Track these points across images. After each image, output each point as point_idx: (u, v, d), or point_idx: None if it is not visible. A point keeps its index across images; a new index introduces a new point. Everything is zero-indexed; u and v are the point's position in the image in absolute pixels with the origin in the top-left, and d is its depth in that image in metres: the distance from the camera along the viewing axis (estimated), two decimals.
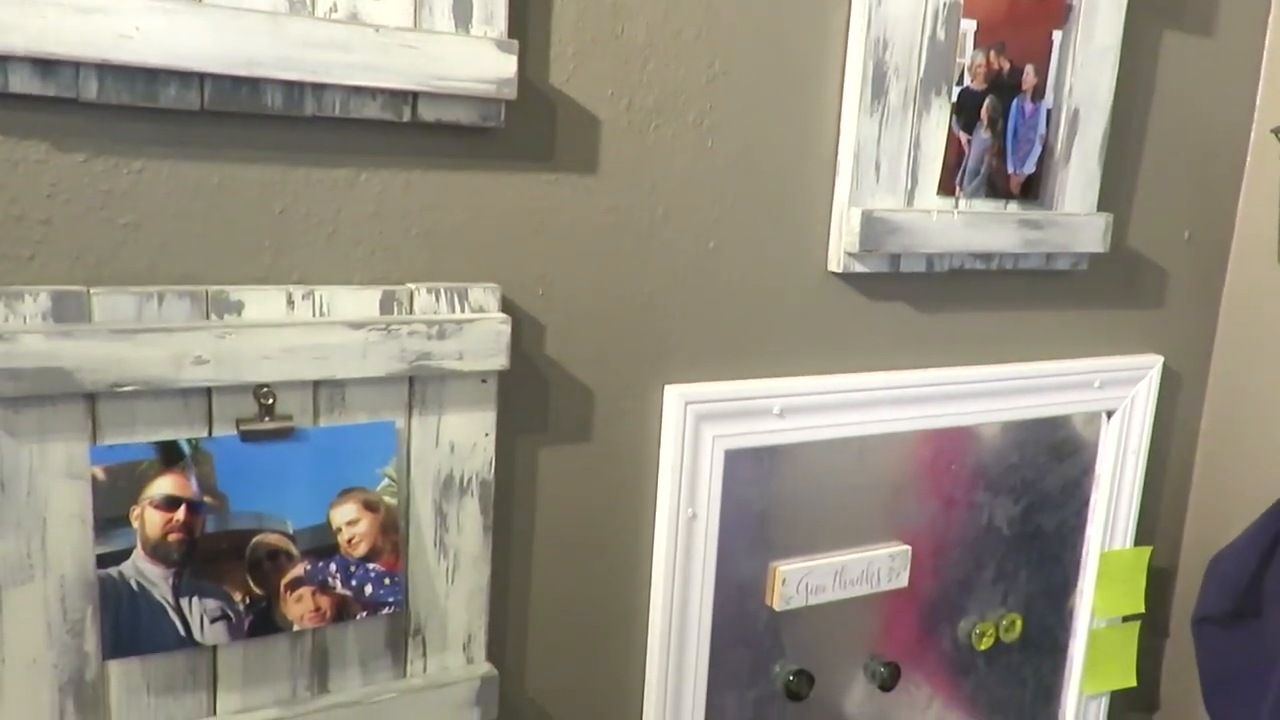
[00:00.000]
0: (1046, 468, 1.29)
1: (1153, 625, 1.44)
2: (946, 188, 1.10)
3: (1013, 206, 1.15)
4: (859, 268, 1.07)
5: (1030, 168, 1.14)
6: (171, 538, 0.78)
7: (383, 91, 0.80)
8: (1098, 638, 1.36)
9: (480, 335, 0.86)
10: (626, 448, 0.99)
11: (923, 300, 1.14)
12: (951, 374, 1.17)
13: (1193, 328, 1.37)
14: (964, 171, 1.10)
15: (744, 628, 1.10)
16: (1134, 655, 1.40)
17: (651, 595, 1.03)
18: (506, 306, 0.90)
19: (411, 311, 0.85)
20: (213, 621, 0.80)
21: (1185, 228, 1.33)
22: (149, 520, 0.77)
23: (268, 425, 0.80)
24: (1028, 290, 1.21)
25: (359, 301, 0.83)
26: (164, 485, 0.77)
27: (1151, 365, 1.32)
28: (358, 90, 0.79)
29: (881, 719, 1.24)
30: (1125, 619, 1.39)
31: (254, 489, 0.80)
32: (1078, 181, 1.18)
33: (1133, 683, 1.40)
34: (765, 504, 1.09)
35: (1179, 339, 1.36)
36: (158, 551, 0.77)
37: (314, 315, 0.81)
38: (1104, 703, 1.40)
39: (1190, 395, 1.40)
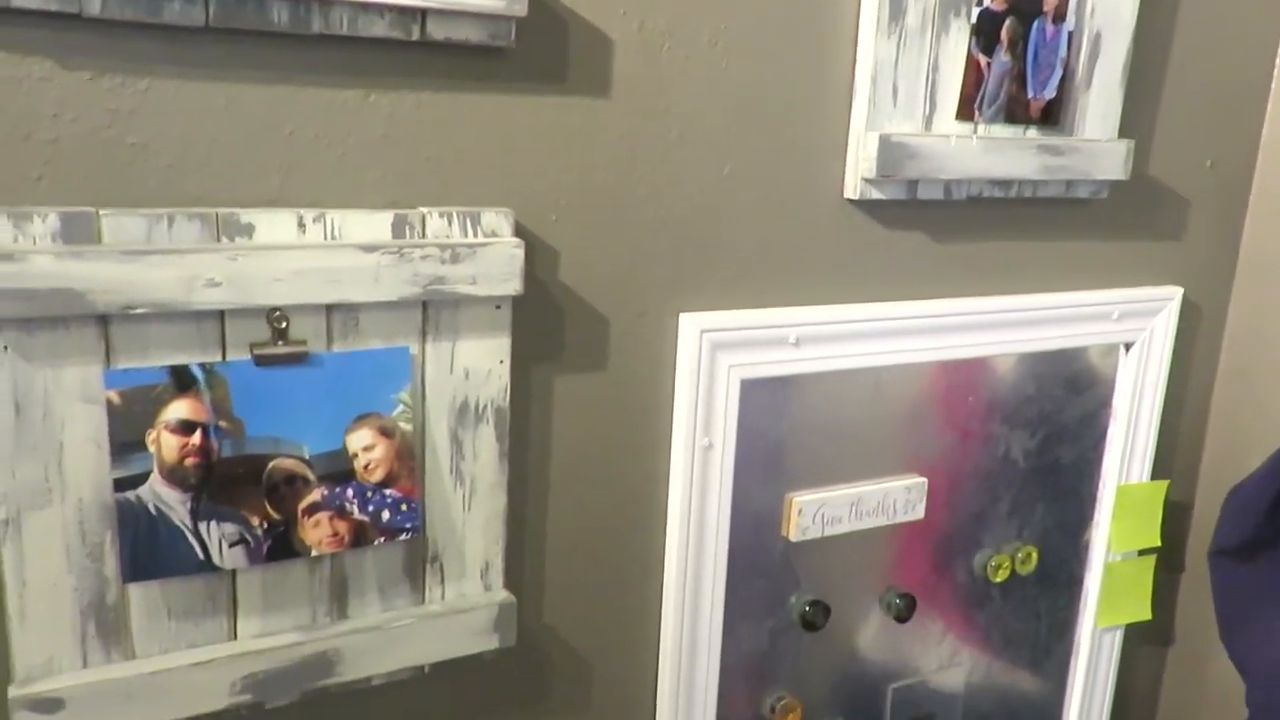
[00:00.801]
0: (1063, 400, 1.28)
1: (1168, 559, 1.44)
2: (965, 113, 1.08)
3: (1032, 132, 1.12)
4: (875, 195, 1.05)
5: (1050, 92, 1.12)
6: (188, 462, 0.77)
7: (390, 8, 0.78)
8: (1113, 571, 1.36)
9: (493, 259, 0.85)
10: (641, 376, 0.99)
11: (940, 229, 1.12)
12: (969, 304, 1.15)
13: (1213, 259, 1.36)
14: (983, 96, 1.08)
15: (760, 558, 1.10)
16: (1149, 589, 1.40)
17: (667, 525, 1.03)
18: (519, 231, 0.89)
19: (424, 235, 0.84)
20: (231, 546, 0.80)
21: (1207, 156, 1.30)
22: (165, 444, 0.77)
23: (281, 350, 0.79)
24: (1046, 219, 1.19)
25: (370, 225, 0.82)
26: (179, 409, 0.77)
27: (1171, 297, 1.30)
28: (365, 6, 0.78)
29: (897, 650, 1.24)
30: (1141, 553, 1.38)
31: (269, 414, 0.80)
32: (1098, 107, 1.16)
33: (1148, 616, 1.40)
34: (781, 434, 1.09)
35: (1199, 270, 1.34)
36: (174, 476, 0.77)
37: (325, 238, 0.80)
38: (1118, 636, 1.41)
39: (1210, 328, 1.39)
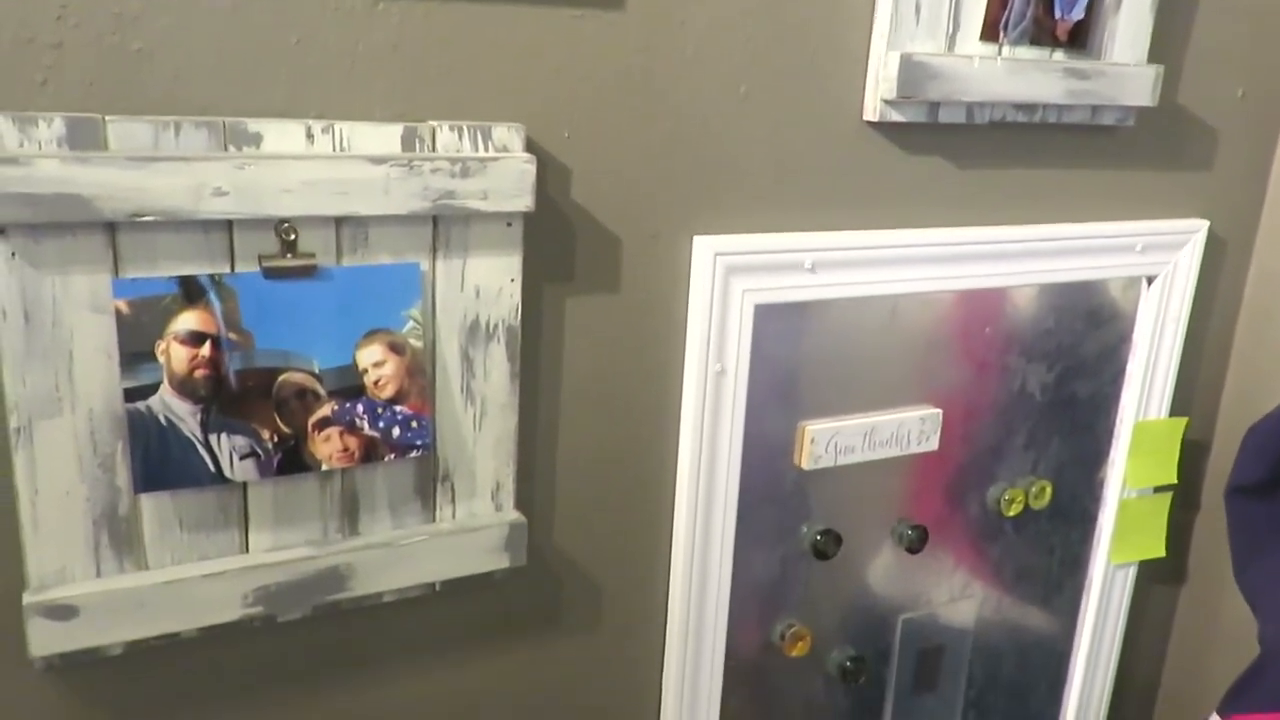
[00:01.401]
0: (1083, 334, 1.26)
1: (1184, 498, 1.43)
2: (990, 33, 1.05)
3: (1058, 55, 1.09)
4: (896, 116, 1.03)
5: (1078, 13, 1.09)
6: (198, 373, 0.77)
7: None
8: (1128, 508, 1.35)
9: (504, 174, 0.83)
10: (654, 299, 0.98)
11: (961, 154, 1.10)
12: (989, 233, 1.13)
13: (1241, 191, 1.33)
14: (1009, 16, 1.05)
15: (772, 487, 1.10)
16: (1164, 526, 1.39)
17: (679, 451, 1.03)
18: (531, 148, 0.87)
19: (433, 149, 0.82)
20: (242, 458, 0.80)
21: (1239, 85, 1.27)
22: (174, 355, 0.76)
23: (290, 262, 0.79)
24: (1071, 146, 1.17)
25: (380, 137, 0.80)
26: (188, 320, 0.76)
27: (1196, 230, 1.28)
28: None
29: (907, 582, 1.24)
30: (1157, 490, 1.37)
31: (279, 327, 0.79)
32: (1128, 30, 1.13)
33: (1162, 554, 1.39)
34: (795, 362, 1.08)
35: (1226, 203, 1.31)
36: (184, 387, 0.77)
37: (334, 150, 0.79)
38: (1131, 573, 1.40)
39: (1235, 262, 1.36)
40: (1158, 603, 1.49)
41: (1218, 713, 1.29)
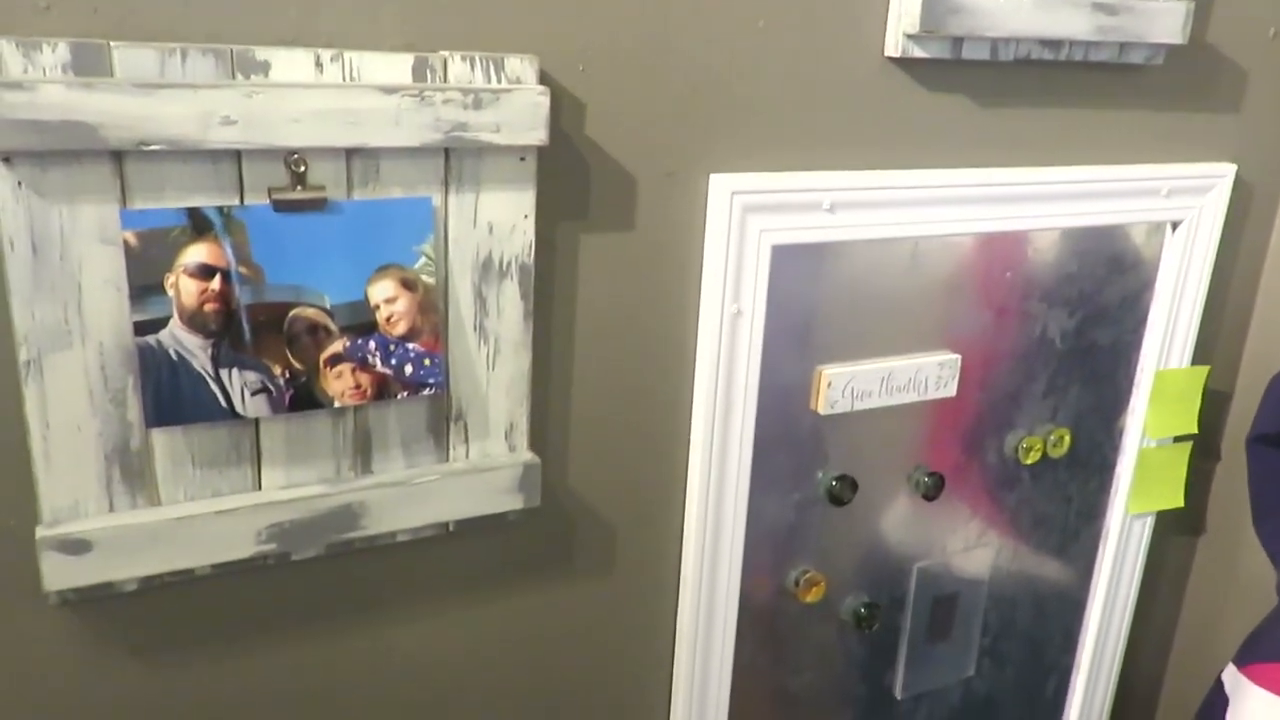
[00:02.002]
0: (1105, 280, 1.24)
1: (1204, 448, 1.41)
2: None
3: None
4: (918, 52, 1.00)
5: None
6: (208, 308, 0.76)
7: None
8: (1147, 457, 1.34)
9: (517, 107, 0.81)
10: (670, 238, 0.96)
11: (985, 92, 1.07)
12: (1011, 174, 1.11)
13: (1271, 134, 1.29)
14: None
15: (788, 431, 1.09)
16: (1183, 476, 1.37)
17: (694, 393, 1.02)
18: (545, 80, 0.85)
19: (445, 80, 0.81)
20: (253, 394, 0.79)
21: (1271, 24, 1.23)
22: (184, 289, 0.75)
23: (300, 195, 0.77)
24: (1097, 85, 1.14)
25: (390, 67, 0.79)
26: (197, 253, 0.75)
27: (1223, 174, 1.25)
28: None
29: (923, 529, 1.23)
30: (1176, 439, 1.36)
31: (289, 261, 0.78)
32: None
33: (1180, 504, 1.38)
34: (812, 304, 1.06)
35: (1255, 147, 1.28)
36: (194, 321, 0.76)
37: (343, 79, 0.77)
38: (1148, 524, 1.39)
39: (1261, 208, 1.33)
40: (1175, 553, 1.48)
41: (1234, 663, 1.29)
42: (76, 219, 0.72)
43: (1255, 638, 1.29)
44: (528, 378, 0.91)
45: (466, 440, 0.90)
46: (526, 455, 0.93)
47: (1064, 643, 1.42)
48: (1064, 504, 1.33)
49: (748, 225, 0.98)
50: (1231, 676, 1.28)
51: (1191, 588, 1.50)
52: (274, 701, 0.91)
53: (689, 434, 1.03)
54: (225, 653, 0.88)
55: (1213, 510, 1.47)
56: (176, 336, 0.76)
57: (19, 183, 0.70)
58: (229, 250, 0.76)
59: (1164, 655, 1.54)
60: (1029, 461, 1.26)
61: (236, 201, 0.76)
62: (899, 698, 1.30)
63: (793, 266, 1.03)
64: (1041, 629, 1.39)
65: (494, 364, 0.89)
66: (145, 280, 0.74)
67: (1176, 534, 1.47)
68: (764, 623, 1.16)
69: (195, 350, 0.77)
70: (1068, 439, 1.28)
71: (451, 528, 0.92)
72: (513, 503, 0.92)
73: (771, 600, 1.16)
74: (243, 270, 0.77)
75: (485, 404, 0.90)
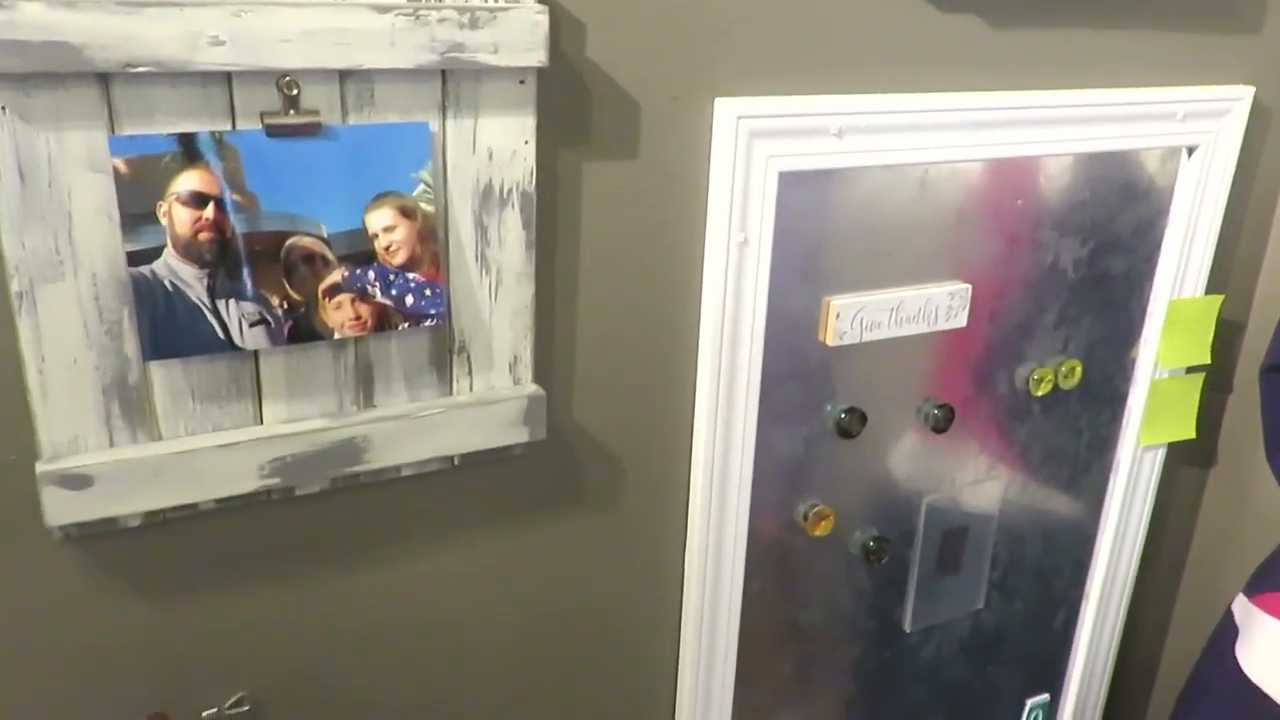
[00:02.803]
0: (1118, 207, 1.22)
1: (1216, 379, 1.39)
2: None
3: None
4: None
5: None
6: (202, 236, 0.74)
7: None
8: (1159, 388, 1.32)
9: (516, 26, 0.79)
10: (675, 164, 0.94)
11: (996, 11, 1.04)
12: (1023, 98, 1.08)
13: None
14: None
15: (796, 363, 1.07)
16: (1195, 407, 1.36)
17: (701, 324, 1.00)
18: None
19: None
20: (251, 326, 0.78)
21: None
22: (177, 217, 0.73)
23: (293, 119, 0.75)
24: (1112, 5, 1.10)
25: None
26: (190, 180, 0.73)
27: (1241, 97, 1.22)
28: None
29: (932, 462, 1.22)
30: (1189, 370, 1.34)
31: (284, 189, 0.76)
32: None
33: (1192, 435, 1.37)
34: (820, 233, 1.04)
35: (1273, 68, 1.25)
36: (189, 251, 0.74)
37: None
38: (1159, 455, 1.38)
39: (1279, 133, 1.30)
40: (1186, 485, 1.47)
41: (1244, 593, 1.28)
42: (64, 145, 0.70)
43: (1266, 568, 1.28)
44: (531, 309, 0.89)
45: (470, 373, 0.89)
46: (531, 388, 0.91)
47: (1073, 576, 1.41)
48: (1075, 436, 1.32)
49: (754, 151, 0.95)
50: (1242, 607, 1.28)
51: (1202, 520, 1.50)
52: (280, 637, 0.91)
53: (696, 366, 1.02)
54: (231, 588, 0.88)
55: (1224, 442, 1.46)
56: (171, 267, 0.74)
57: (3, 108, 0.68)
58: (222, 177, 0.74)
59: (1173, 588, 1.54)
60: (1040, 393, 1.25)
61: (228, 127, 0.74)
62: (908, 631, 1.30)
63: (800, 194, 1.00)
64: (1051, 562, 1.38)
65: (496, 295, 0.88)
66: (137, 209, 0.72)
67: (1187, 466, 1.46)
68: (773, 556, 1.15)
69: (191, 281, 0.75)
70: (1079, 370, 1.26)
71: (456, 462, 0.91)
72: (518, 436, 0.91)
73: (780, 534, 1.15)
74: (237, 198, 0.75)
75: (488, 336, 0.88)
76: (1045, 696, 1.48)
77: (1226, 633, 1.29)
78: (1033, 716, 1.49)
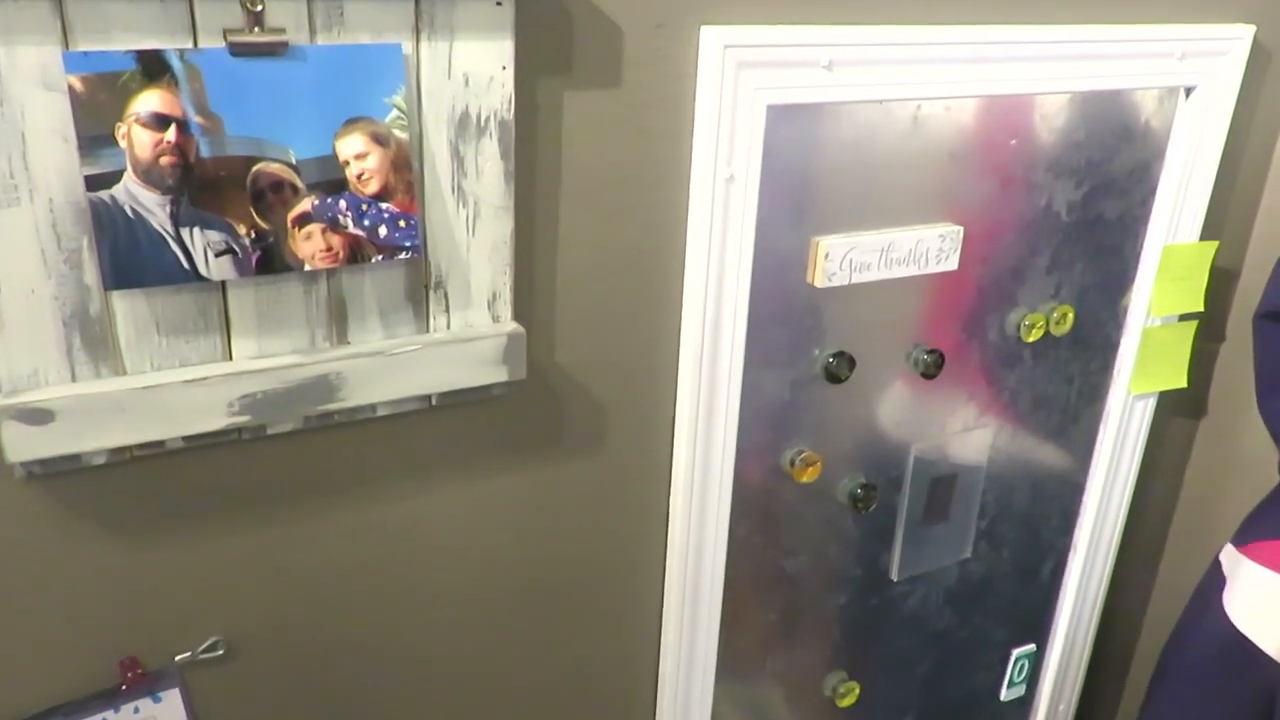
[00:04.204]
0: (1113, 149, 1.19)
1: (1209, 328, 1.38)
2: None
3: None
4: None
5: None
6: (164, 160, 0.71)
7: None
8: (1151, 336, 1.31)
9: None
10: (659, 96, 0.91)
11: None
12: (1019, 33, 1.05)
13: None
14: None
15: (783, 305, 1.05)
16: (1187, 355, 1.34)
17: (687, 263, 0.97)
18: None
19: None
20: (217, 255, 0.75)
21: None
22: (137, 140, 0.70)
23: (258, 38, 0.72)
24: None
25: None
26: (150, 101, 0.70)
27: (1241, 36, 1.19)
28: None
29: (921, 409, 1.21)
30: (1182, 318, 1.32)
31: (250, 112, 0.73)
32: None
33: (1184, 384, 1.35)
34: (809, 171, 1.01)
35: (1274, 6, 1.21)
36: (150, 176, 0.71)
37: None
38: (1150, 405, 1.36)
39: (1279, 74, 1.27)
40: (1175, 435, 1.46)
41: (1232, 543, 1.27)
42: (15, 61, 0.66)
43: (1255, 517, 1.28)
44: (510, 244, 0.87)
45: (447, 310, 0.86)
46: (510, 326, 0.89)
47: (1061, 525, 1.40)
48: (1065, 384, 1.30)
49: (741, 82, 0.92)
50: (1230, 557, 1.27)
51: (1191, 470, 1.49)
52: (253, 580, 0.89)
53: (681, 307, 0.99)
54: (202, 530, 0.85)
55: (1215, 392, 1.44)
56: (131, 192, 0.71)
57: None
58: (184, 98, 0.71)
59: (1161, 538, 1.54)
60: (1031, 339, 1.23)
61: (190, 44, 0.71)
62: (894, 579, 1.29)
63: (789, 130, 0.97)
64: (1039, 511, 1.37)
65: (474, 228, 0.85)
66: (94, 130, 0.69)
67: (1177, 416, 1.44)
68: (759, 503, 1.14)
69: (153, 207, 0.72)
70: (1071, 316, 1.24)
71: (434, 401, 0.89)
72: (497, 375, 0.88)
73: (767, 480, 1.13)
74: (200, 120, 0.71)
75: (466, 271, 0.86)
76: (1031, 646, 1.48)
77: (1213, 583, 1.28)
78: (1019, 666, 1.48)
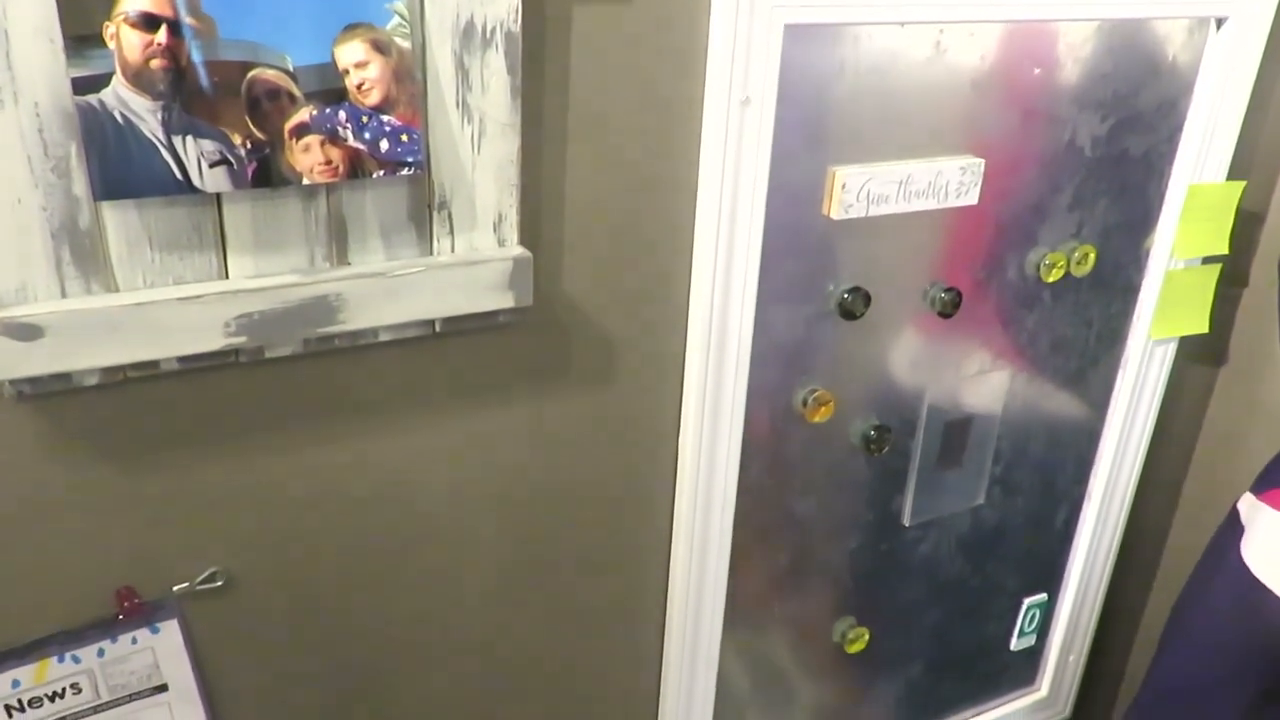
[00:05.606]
0: (1141, 82, 1.15)
1: (1233, 272, 1.34)
2: None
3: None
4: None
5: None
6: (154, 64, 0.68)
7: None
8: (1173, 279, 1.27)
9: None
10: (672, 11, 0.87)
11: None
12: None
13: None
14: None
15: (798, 237, 1.02)
16: (1210, 299, 1.31)
17: (699, 189, 0.94)
18: None
19: None
20: (211, 166, 0.72)
21: None
22: (125, 41, 0.67)
23: None
24: None
25: None
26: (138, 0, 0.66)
27: None
28: None
29: (937, 349, 1.18)
30: (1205, 261, 1.29)
31: (244, 14, 0.69)
32: None
33: (1205, 329, 1.32)
34: (826, 97, 0.97)
35: None
36: (140, 80, 0.68)
37: None
38: (1170, 350, 1.33)
39: None
40: (1195, 382, 1.43)
41: (1251, 491, 1.25)
42: None
43: (1275, 465, 1.25)
44: (517, 164, 0.83)
45: (451, 232, 0.83)
46: (517, 250, 0.86)
47: (1076, 472, 1.38)
48: (1084, 327, 1.27)
49: None
50: (1248, 505, 1.24)
51: (1210, 417, 1.46)
52: (253, 509, 0.87)
53: (693, 234, 0.96)
54: (199, 457, 0.83)
55: (1237, 337, 1.41)
56: (121, 96, 0.68)
57: None
58: None
59: (1177, 486, 1.51)
60: (1051, 280, 1.19)
61: None
62: (906, 524, 1.26)
63: (807, 51, 0.94)
64: (1054, 458, 1.35)
65: (479, 146, 0.81)
66: (81, 30, 0.66)
67: (1198, 362, 1.41)
68: (770, 443, 1.11)
69: (144, 113, 0.69)
70: (1092, 257, 1.21)
71: (438, 328, 0.86)
72: (503, 300, 0.86)
73: (778, 420, 1.11)
74: (192, 21, 0.68)
75: (471, 191, 0.83)
76: (1043, 596, 1.46)
77: (1231, 532, 1.26)
78: (1029, 616, 1.46)
